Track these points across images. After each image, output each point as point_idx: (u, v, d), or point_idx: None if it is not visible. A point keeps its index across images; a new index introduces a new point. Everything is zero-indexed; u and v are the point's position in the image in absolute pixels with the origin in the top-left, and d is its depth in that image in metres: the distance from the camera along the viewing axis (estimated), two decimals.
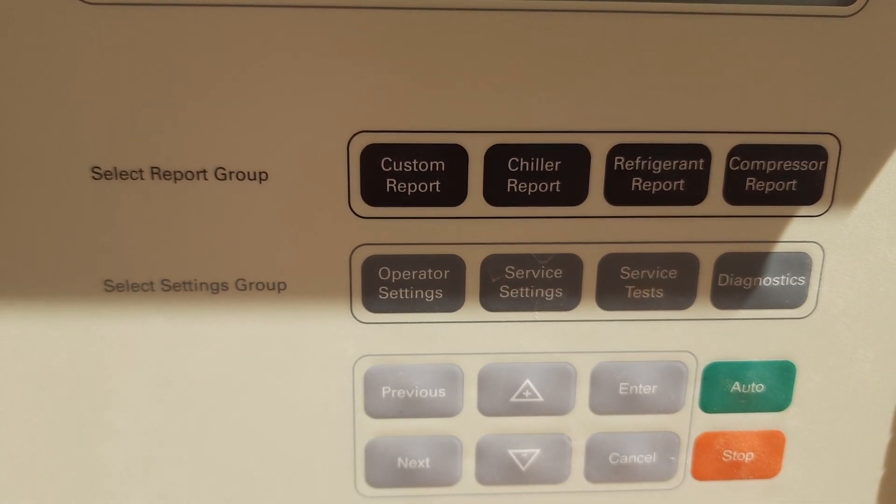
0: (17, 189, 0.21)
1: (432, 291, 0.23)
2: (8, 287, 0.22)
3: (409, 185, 0.22)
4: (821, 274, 0.24)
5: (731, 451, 0.25)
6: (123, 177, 0.21)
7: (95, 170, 0.21)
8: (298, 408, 0.24)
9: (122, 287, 0.22)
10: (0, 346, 0.23)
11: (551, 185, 0.22)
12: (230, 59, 0.20)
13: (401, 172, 0.22)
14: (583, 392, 0.24)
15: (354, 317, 0.23)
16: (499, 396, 0.24)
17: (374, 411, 0.24)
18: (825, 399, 0.25)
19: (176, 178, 0.22)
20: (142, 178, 0.21)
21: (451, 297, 0.23)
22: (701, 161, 0.22)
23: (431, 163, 0.22)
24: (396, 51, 0.21)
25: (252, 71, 0.21)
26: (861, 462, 0.26)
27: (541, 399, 0.24)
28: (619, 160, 0.22)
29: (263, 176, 0.22)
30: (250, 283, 0.23)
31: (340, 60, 0.21)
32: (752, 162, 0.22)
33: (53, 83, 0.20)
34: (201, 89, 0.21)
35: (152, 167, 0.21)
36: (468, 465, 0.25)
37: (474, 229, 0.23)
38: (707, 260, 0.23)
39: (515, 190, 0.22)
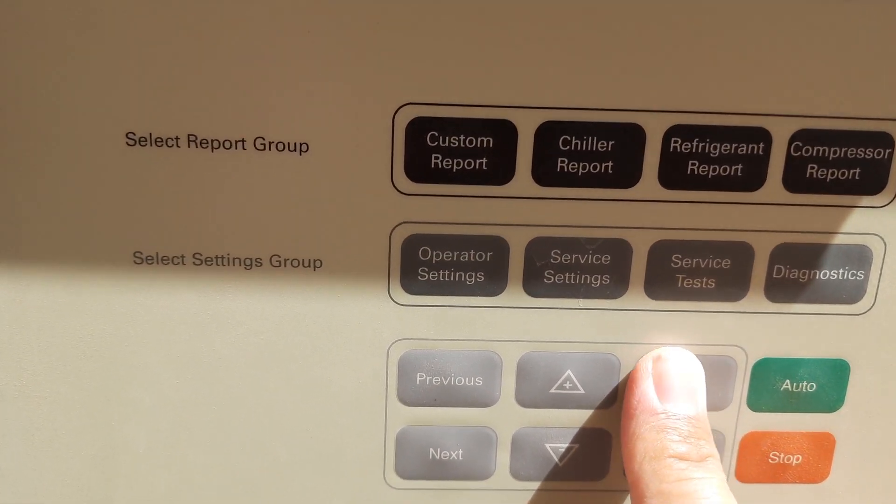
0: (49, 154, 0.21)
1: (473, 274, 0.22)
2: (36, 255, 0.21)
3: (455, 161, 0.21)
4: (881, 269, 0.23)
5: (777, 453, 0.24)
6: (159, 143, 0.21)
7: (130, 135, 0.21)
8: (329, 392, 0.23)
9: (151, 260, 0.22)
10: (25, 316, 0.22)
11: (603, 166, 0.21)
12: (273, 25, 0.20)
13: (447, 148, 0.21)
14: (625, 385, 0.23)
15: (391, 298, 0.22)
16: (538, 387, 0.23)
17: (407, 398, 0.23)
18: (879, 401, 0.24)
19: (213, 147, 0.21)
20: (177, 146, 0.21)
21: (492, 281, 0.22)
22: (761, 145, 0.21)
23: (479, 139, 0.21)
24: (447, 21, 0.20)
25: (296, 37, 0.20)
26: None
27: (582, 391, 0.23)
28: (676, 142, 0.21)
29: (304, 147, 0.21)
30: (285, 260, 0.22)
31: (389, 30, 0.20)
32: (815, 148, 0.21)
33: (88, 45, 0.20)
34: (242, 55, 0.20)
35: (189, 134, 0.21)
36: (503, 458, 0.24)
37: (520, 210, 0.22)
38: (762, 250, 0.22)
39: (566, 170, 0.21)
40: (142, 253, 0.22)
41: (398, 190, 0.21)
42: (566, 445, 0.24)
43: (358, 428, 0.24)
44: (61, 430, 0.23)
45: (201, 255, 0.22)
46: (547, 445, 0.24)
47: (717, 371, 0.23)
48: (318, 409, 0.23)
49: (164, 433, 0.23)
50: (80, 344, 0.22)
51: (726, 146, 0.21)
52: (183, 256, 0.22)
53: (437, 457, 0.24)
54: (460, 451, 0.24)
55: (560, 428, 0.24)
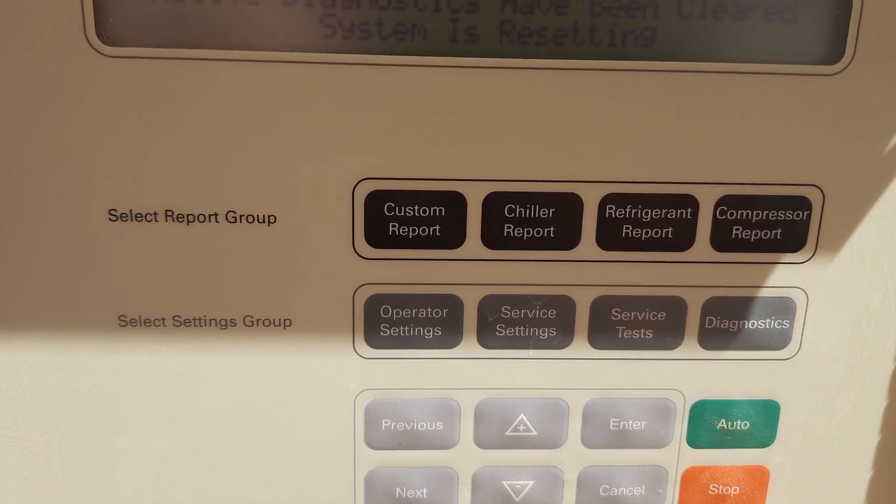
0: (40, 229, 0.22)
1: (431, 329, 0.24)
2: (28, 320, 0.23)
3: (411, 228, 0.23)
4: (805, 317, 0.24)
5: (716, 485, 0.26)
6: (139, 219, 0.22)
7: (112, 212, 0.22)
8: (301, 438, 0.25)
9: (135, 322, 0.24)
10: (19, 376, 0.24)
11: (546, 230, 0.23)
12: (242, 109, 0.22)
13: (403, 217, 0.23)
14: (575, 427, 0.25)
15: (356, 352, 0.24)
16: (494, 430, 0.25)
17: (374, 443, 0.25)
18: (808, 436, 0.26)
19: (189, 221, 0.23)
20: (156, 221, 0.22)
21: (449, 335, 0.24)
22: (689, 210, 0.23)
23: (432, 208, 0.23)
24: (400, 104, 0.22)
25: (263, 121, 0.22)
26: (843, 498, 0.26)
27: (535, 433, 0.25)
28: (611, 208, 0.23)
29: (272, 219, 0.23)
30: (257, 320, 0.24)
31: (347, 112, 0.22)
32: (739, 211, 0.23)
33: (74, 131, 0.21)
34: (214, 138, 0.22)
35: (166, 210, 0.22)
36: (464, 495, 0.26)
37: (472, 271, 0.24)
38: (694, 303, 0.24)
39: (511, 235, 0.23)
40: (126, 316, 0.23)
41: (359, 255, 0.23)
42: (522, 482, 0.26)
43: (330, 471, 0.25)
44: (56, 477, 0.25)
45: (180, 317, 0.24)
46: (504, 483, 0.26)
47: (658, 412, 0.25)
48: (293, 454, 0.25)
49: (150, 479, 0.25)
50: (72, 399, 0.24)
51: (657, 211, 0.23)
52: (164, 319, 0.24)
53: (404, 495, 0.26)
54: (425, 490, 0.26)
55: (516, 467, 0.26)
